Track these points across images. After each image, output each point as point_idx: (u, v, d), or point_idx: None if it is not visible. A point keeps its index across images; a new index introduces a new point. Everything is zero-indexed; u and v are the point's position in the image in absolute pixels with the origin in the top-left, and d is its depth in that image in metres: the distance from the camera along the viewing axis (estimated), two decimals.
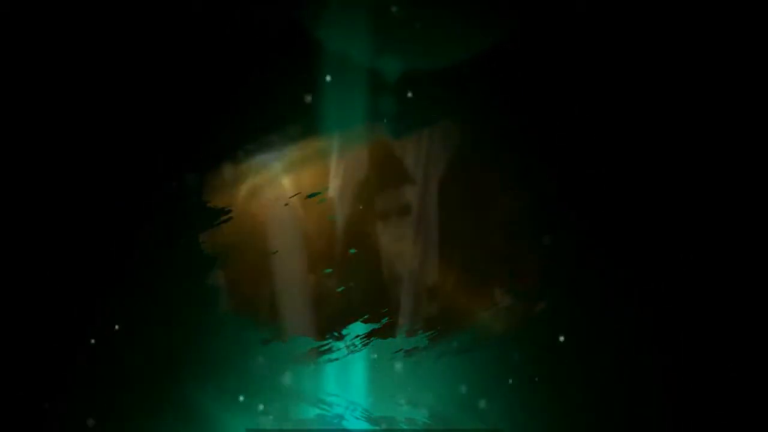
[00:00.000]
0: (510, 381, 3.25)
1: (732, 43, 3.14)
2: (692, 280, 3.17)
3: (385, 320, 3.33)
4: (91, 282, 3.21)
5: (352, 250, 3.37)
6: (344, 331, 3.34)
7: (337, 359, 3.34)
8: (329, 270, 3.37)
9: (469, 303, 3.31)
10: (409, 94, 3.27)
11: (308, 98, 3.27)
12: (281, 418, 3.32)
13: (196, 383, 3.26)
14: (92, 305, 3.22)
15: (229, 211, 3.34)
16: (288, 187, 3.37)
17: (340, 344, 3.34)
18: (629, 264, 3.23)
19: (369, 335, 3.33)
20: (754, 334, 3.12)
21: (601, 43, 3.18)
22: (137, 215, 3.24)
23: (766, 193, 3.17)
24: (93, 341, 3.21)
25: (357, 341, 3.33)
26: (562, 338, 3.20)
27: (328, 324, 3.35)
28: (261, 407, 3.30)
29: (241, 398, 3.28)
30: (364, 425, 3.33)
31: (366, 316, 3.33)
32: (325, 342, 3.34)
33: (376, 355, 3.34)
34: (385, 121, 3.32)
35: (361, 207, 3.37)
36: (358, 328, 3.34)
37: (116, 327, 3.20)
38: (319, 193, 3.37)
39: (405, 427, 3.32)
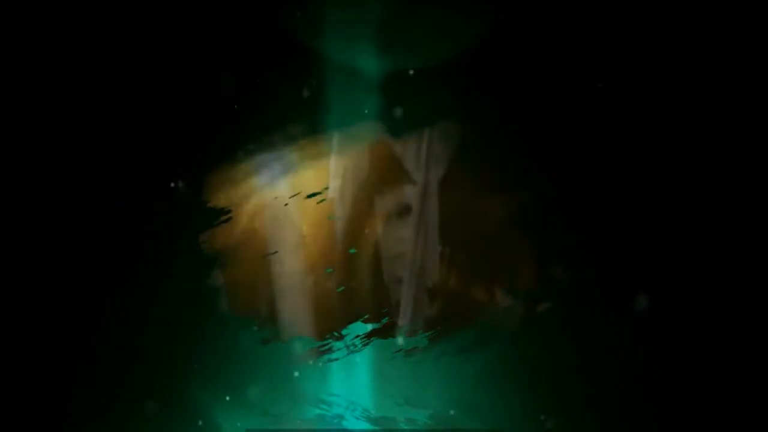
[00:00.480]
0: (510, 381, 3.25)
1: (732, 42, 3.14)
2: (693, 280, 3.17)
3: (385, 320, 3.33)
4: (91, 282, 3.21)
5: (352, 250, 3.37)
6: (344, 331, 3.34)
7: (337, 359, 3.34)
8: (329, 270, 3.37)
9: (469, 303, 3.31)
10: (409, 94, 3.27)
11: (308, 98, 3.27)
12: (281, 418, 3.31)
13: (195, 383, 3.26)
14: (92, 305, 3.22)
15: (229, 211, 3.34)
16: (288, 187, 3.37)
17: (340, 344, 3.34)
18: (629, 264, 3.23)
19: (369, 335, 3.33)
20: (754, 335, 3.12)
21: (601, 42, 3.18)
22: (137, 215, 3.24)
23: (766, 193, 3.17)
24: (93, 341, 3.21)
25: (357, 341, 3.33)
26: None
27: (328, 324, 3.35)
28: (261, 407, 3.30)
29: (241, 398, 3.28)
30: (364, 425, 3.33)
31: (366, 316, 3.33)
32: (325, 342, 3.34)
33: (377, 355, 3.35)
34: (384, 120, 3.32)
35: (361, 207, 3.37)
36: (358, 328, 3.34)
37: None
38: (319, 193, 3.38)
39: (405, 427, 3.32)
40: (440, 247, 3.32)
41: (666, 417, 3.15)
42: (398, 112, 3.29)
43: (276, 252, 3.36)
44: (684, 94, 3.18)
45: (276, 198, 3.37)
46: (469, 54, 3.24)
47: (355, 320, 3.33)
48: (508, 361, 3.25)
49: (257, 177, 3.37)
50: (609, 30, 3.19)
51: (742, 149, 3.16)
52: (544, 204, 3.29)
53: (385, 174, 3.38)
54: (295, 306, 3.35)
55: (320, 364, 3.35)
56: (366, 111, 3.31)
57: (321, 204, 3.37)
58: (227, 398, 3.27)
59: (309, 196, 3.37)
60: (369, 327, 3.33)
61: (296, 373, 3.34)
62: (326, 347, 3.34)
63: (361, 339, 3.33)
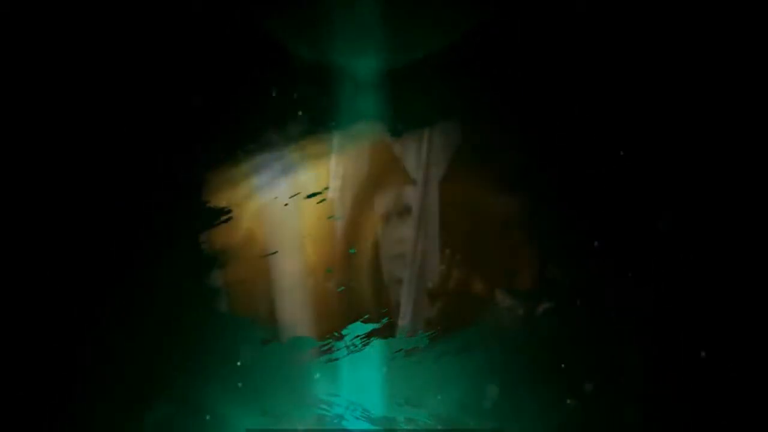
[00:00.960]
0: (511, 381, 3.24)
1: (732, 42, 3.14)
2: (694, 280, 3.17)
3: (385, 320, 3.33)
4: (90, 282, 3.21)
5: (352, 250, 3.37)
6: (344, 331, 3.34)
7: (337, 359, 3.34)
8: (329, 270, 3.37)
9: (469, 303, 3.31)
10: (409, 94, 3.27)
11: (308, 98, 3.27)
12: (281, 418, 3.31)
13: (195, 384, 3.25)
14: (91, 306, 3.21)
15: (229, 211, 3.34)
16: (288, 187, 3.37)
17: (340, 344, 3.33)
18: (630, 264, 3.23)
19: (369, 335, 3.33)
20: (756, 335, 3.12)
21: (601, 42, 3.18)
22: (137, 215, 3.24)
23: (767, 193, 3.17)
24: (92, 341, 3.21)
25: (357, 341, 3.33)
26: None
27: (328, 324, 3.34)
28: (260, 407, 3.29)
29: (240, 398, 3.27)
30: (364, 425, 3.32)
31: (366, 316, 3.33)
32: (325, 342, 3.34)
33: (377, 355, 3.35)
34: (384, 120, 3.32)
35: (361, 207, 3.37)
36: (358, 328, 3.33)
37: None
38: (319, 193, 3.37)
39: (405, 427, 3.32)
40: (440, 247, 3.32)
41: (668, 416, 3.14)
42: (398, 112, 3.29)
43: (276, 252, 3.35)
44: (685, 94, 3.18)
45: (276, 198, 3.37)
46: (469, 53, 3.24)
47: (355, 320, 3.33)
48: (509, 361, 3.25)
49: (257, 177, 3.37)
50: (609, 30, 3.19)
51: (744, 149, 3.17)
52: (544, 204, 3.29)
53: (385, 174, 3.38)
54: (294, 306, 3.35)
55: (320, 364, 3.34)
56: (366, 111, 3.31)
57: (321, 204, 3.37)
58: (226, 398, 3.26)
59: (309, 196, 3.37)
60: (369, 327, 3.33)
61: (296, 373, 3.33)
62: (326, 347, 3.34)
63: (361, 339, 3.33)
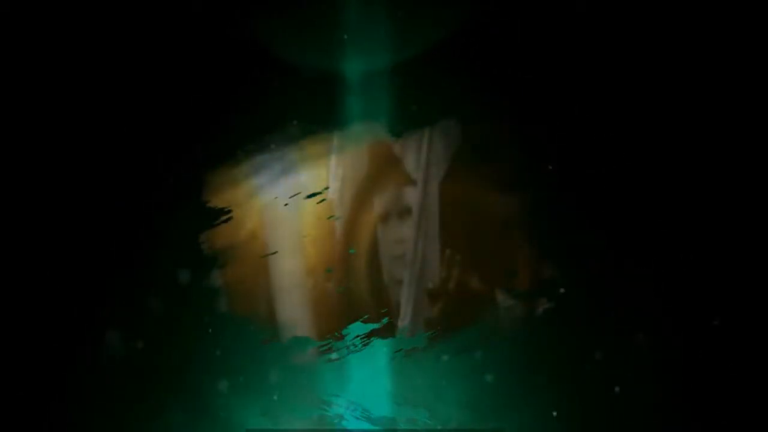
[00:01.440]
0: (510, 381, 3.24)
1: (732, 42, 3.14)
2: (694, 280, 3.17)
3: (385, 320, 3.33)
4: (90, 282, 3.21)
5: (352, 250, 3.37)
6: (344, 331, 3.34)
7: (337, 359, 3.34)
8: (329, 270, 3.37)
9: (469, 303, 3.31)
10: (409, 94, 3.26)
11: (308, 99, 3.27)
12: (280, 418, 3.31)
13: (194, 384, 3.25)
14: (91, 305, 3.21)
15: (229, 211, 3.34)
16: (288, 187, 3.37)
17: (340, 344, 3.33)
18: (630, 264, 3.23)
19: (369, 335, 3.33)
20: (756, 334, 3.12)
21: (600, 42, 3.18)
22: (137, 215, 3.24)
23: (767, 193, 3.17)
24: (92, 341, 3.21)
25: (357, 341, 3.33)
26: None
27: (328, 324, 3.34)
28: (260, 407, 3.29)
29: (240, 398, 3.27)
30: (364, 425, 3.32)
31: (366, 317, 3.33)
32: (325, 342, 3.34)
33: (377, 355, 3.35)
34: (384, 120, 3.32)
35: (361, 207, 3.37)
36: (358, 328, 3.33)
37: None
38: (319, 193, 3.37)
39: (405, 427, 3.32)
40: (440, 247, 3.32)
41: (668, 417, 3.14)
42: (398, 111, 3.29)
43: (276, 252, 3.35)
44: (684, 93, 3.18)
45: (276, 198, 3.37)
46: (469, 53, 3.24)
47: (355, 320, 3.33)
48: (509, 361, 3.25)
49: (257, 177, 3.37)
50: (609, 29, 3.19)
51: (744, 149, 3.16)
52: (544, 204, 3.29)
53: (385, 174, 3.38)
54: (294, 306, 3.35)
55: (320, 364, 3.34)
56: (366, 111, 3.30)
57: (321, 204, 3.37)
58: (225, 398, 3.26)
59: (309, 196, 3.37)
60: (369, 327, 3.33)
61: (296, 373, 3.34)
62: (326, 347, 3.34)
63: (361, 339, 3.33)
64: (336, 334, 3.34)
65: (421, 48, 3.21)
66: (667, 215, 3.21)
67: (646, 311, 3.20)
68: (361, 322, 3.33)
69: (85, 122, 3.21)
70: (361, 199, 3.38)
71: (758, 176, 3.16)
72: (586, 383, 3.21)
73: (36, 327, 3.17)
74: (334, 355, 3.34)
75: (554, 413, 3.19)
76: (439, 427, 3.31)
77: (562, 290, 3.25)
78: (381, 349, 3.33)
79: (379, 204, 3.38)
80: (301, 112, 3.31)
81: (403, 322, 3.32)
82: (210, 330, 3.29)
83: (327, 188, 3.38)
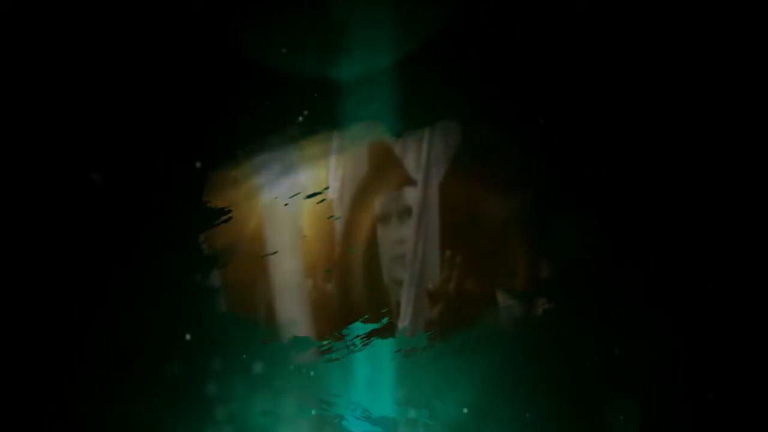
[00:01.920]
0: (510, 381, 3.24)
1: (732, 42, 3.14)
2: (694, 280, 3.17)
3: (385, 320, 3.33)
4: (90, 282, 3.21)
5: (352, 250, 3.37)
6: (344, 331, 3.34)
7: (337, 359, 3.34)
8: (329, 270, 3.37)
9: (469, 303, 3.31)
10: (409, 94, 3.27)
11: (308, 99, 3.27)
12: (280, 418, 3.31)
13: (194, 384, 3.25)
14: (91, 305, 3.21)
15: (229, 211, 3.34)
16: (288, 187, 3.37)
17: (340, 344, 3.33)
18: (630, 263, 3.23)
19: (369, 335, 3.33)
20: (756, 334, 3.12)
21: (600, 42, 3.18)
22: (137, 215, 3.24)
23: (766, 193, 3.17)
24: (92, 341, 3.21)
25: (357, 341, 3.33)
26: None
27: (328, 324, 3.35)
28: (260, 407, 3.29)
29: (239, 398, 3.27)
30: (364, 425, 3.32)
31: (366, 317, 3.33)
32: (325, 342, 3.34)
33: (377, 355, 3.34)
34: (384, 120, 3.33)
35: (361, 207, 3.37)
36: (358, 328, 3.33)
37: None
38: (318, 193, 3.38)
39: (405, 427, 3.32)
40: (440, 247, 3.32)
41: (669, 417, 3.14)
42: (398, 112, 3.29)
43: (276, 252, 3.35)
44: (685, 93, 3.18)
45: (276, 198, 3.37)
46: (469, 53, 3.24)
47: (355, 320, 3.33)
48: (509, 362, 3.25)
49: (257, 177, 3.37)
50: (609, 29, 3.19)
51: (744, 149, 3.16)
52: (544, 204, 3.29)
53: (385, 174, 3.38)
54: (294, 306, 3.35)
55: (320, 364, 3.34)
56: (366, 111, 3.31)
57: (321, 204, 3.38)
58: (225, 398, 3.26)
59: (309, 196, 3.37)
60: (369, 327, 3.33)
61: (296, 373, 3.34)
62: (326, 347, 3.34)
63: (361, 339, 3.33)
64: (336, 334, 3.34)
65: (421, 48, 3.21)
66: (667, 215, 3.21)
67: (646, 311, 3.20)
68: (361, 322, 3.33)
69: (86, 122, 3.21)
70: (361, 199, 3.38)
71: (758, 176, 3.16)
72: (586, 383, 3.21)
73: (36, 327, 3.17)
74: (334, 355, 3.34)
75: (554, 412, 3.19)
76: (439, 427, 3.31)
77: (563, 290, 3.25)
78: (381, 349, 3.33)
79: (379, 204, 3.39)
80: (301, 112, 3.30)
81: (404, 322, 3.32)
82: (209, 330, 3.29)
83: (327, 188, 3.38)
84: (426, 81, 3.26)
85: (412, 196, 3.35)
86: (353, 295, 3.35)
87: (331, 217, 3.38)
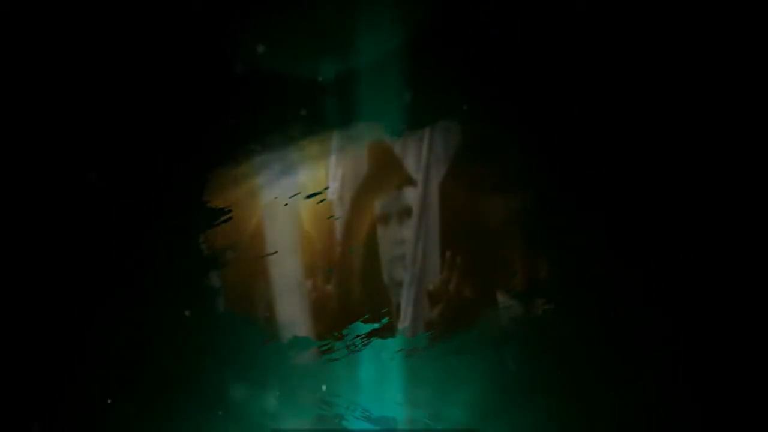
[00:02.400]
0: (510, 381, 3.25)
1: (732, 42, 3.14)
2: (694, 279, 3.17)
3: (385, 320, 3.33)
4: (90, 282, 3.21)
5: (352, 250, 3.37)
6: (344, 331, 3.34)
7: (337, 359, 3.34)
8: (329, 270, 3.37)
9: (469, 303, 3.31)
10: (409, 94, 3.27)
11: (308, 99, 3.27)
12: (281, 418, 3.31)
13: (194, 384, 3.26)
14: (91, 305, 3.22)
15: (229, 211, 3.34)
16: (288, 187, 3.37)
17: (340, 344, 3.34)
18: (630, 263, 3.23)
19: (369, 335, 3.33)
20: (757, 334, 3.12)
21: (600, 42, 3.18)
22: (137, 215, 3.24)
23: (766, 193, 3.16)
24: (92, 341, 3.21)
25: (357, 341, 3.33)
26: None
27: (328, 324, 3.35)
28: (260, 407, 3.30)
29: (240, 399, 3.28)
30: (364, 425, 3.33)
31: (366, 317, 3.33)
32: (325, 342, 3.34)
33: (377, 355, 3.35)
34: (384, 120, 3.33)
35: (361, 207, 3.38)
36: (358, 328, 3.34)
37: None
38: (318, 193, 3.38)
39: (405, 427, 3.32)
40: (440, 248, 3.32)
41: (669, 417, 3.14)
42: (398, 111, 3.29)
43: (276, 252, 3.36)
44: (685, 94, 3.18)
45: (276, 198, 3.37)
46: (469, 53, 3.24)
47: (355, 320, 3.33)
48: (509, 362, 3.25)
49: (257, 177, 3.37)
50: (610, 30, 3.18)
51: (744, 149, 3.16)
52: (544, 204, 3.29)
53: (385, 174, 3.38)
54: (294, 306, 3.35)
55: (320, 364, 3.35)
56: (366, 111, 3.30)
57: (321, 204, 3.38)
58: (225, 398, 3.26)
59: (309, 196, 3.37)
60: (369, 327, 3.33)
61: (296, 373, 3.34)
62: (326, 347, 3.34)
63: (361, 339, 3.33)
64: (336, 334, 3.34)
65: (422, 48, 3.21)
66: (667, 215, 3.21)
67: (646, 311, 3.20)
68: (361, 322, 3.33)
69: (87, 123, 3.21)
70: (360, 199, 3.38)
71: (757, 176, 3.16)
72: (586, 383, 3.21)
73: (37, 327, 3.17)
74: (334, 355, 3.34)
75: (554, 412, 3.19)
76: (439, 427, 3.31)
77: (563, 291, 3.25)
78: (381, 349, 3.34)
79: (379, 204, 3.39)
80: (301, 112, 3.31)
81: (404, 322, 3.32)
82: (209, 330, 3.29)
83: (327, 188, 3.39)
84: (426, 81, 3.25)
85: (412, 196, 3.35)
86: (353, 295, 3.35)
87: (331, 217, 3.38)
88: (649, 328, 3.19)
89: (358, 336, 3.33)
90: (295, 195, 3.37)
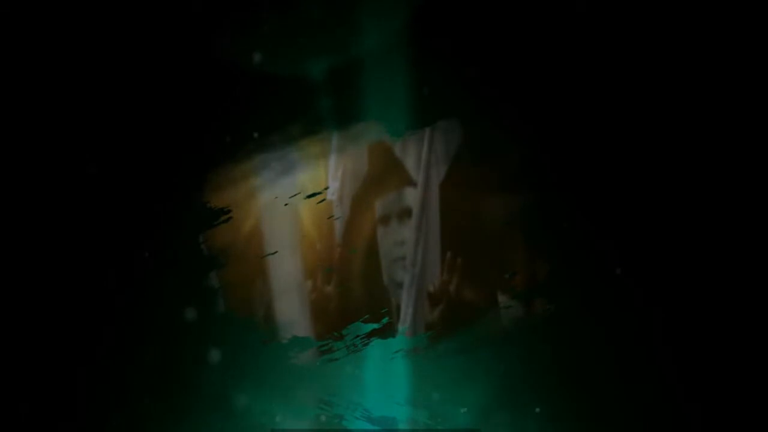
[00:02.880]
0: (510, 381, 3.25)
1: (732, 42, 3.14)
2: (694, 279, 3.17)
3: (385, 320, 3.33)
4: (87, 282, 3.21)
5: (353, 251, 3.37)
6: (344, 331, 3.34)
7: (337, 359, 3.34)
8: (329, 269, 3.37)
9: (469, 303, 3.31)
10: (409, 94, 3.26)
11: (308, 99, 3.27)
12: (281, 418, 3.32)
13: (194, 385, 3.26)
14: (89, 305, 3.22)
15: (229, 211, 3.34)
16: (288, 187, 3.37)
17: (340, 344, 3.34)
18: (631, 263, 3.23)
19: (369, 335, 3.33)
20: (757, 334, 3.12)
21: (600, 42, 3.18)
22: (137, 215, 3.24)
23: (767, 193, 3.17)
24: (92, 341, 3.21)
25: (357, 341, 3.33)
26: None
27: (328, 324, 3.35)
28: (260, 407, 3.30)
29: (240, 399, 3.28)
30: (364, 425, 3.33)
31: (366, 317, 3.33)
32: (325, 342, 3.34)
33: (377, 355, 3.35)
34: (384, 120, 3.32)
35: (361, 207, 3.37)
36: (358, 328, 3.34)
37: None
38: (318, 193, 3.37)
39: (405, 427, 3.32)
40: (440, 248, 3.31)
41: (669, 417, 3.15)
42: (399, 111, 3.29)
43: (276, 252, 3.35)
44: (685, 94, 3.18)
45: (276, 198, 3.37)
46: (469, 53, 3.24)
47: (355, 320, 3.33)
48: (509, 362, 3.26)
49: (257, 177, 3.37)
50: (610, 30, 3.18)
51: (746, 150, 3.16)
52: (544, 204, 3.29)
53: (385, 175, 3.38)
54: (294, 306, 3.35)
55: (320, 364, 3.35)
56: (367, 111, 3.30)
57: (321, 204, 3.37)
58: (225, 399, 3.27)
59: (309, 196, 3.37)
60: (369, 327, 3.33)
61: (296, 373, 3.34)
62: (326, 347, 3.34)
63: (361, 339, 3.33)
64: (336, 334, 3.34)
65: (422, 48, 3.20)
66: (668, 215, 3.21)
67: (646, 311, 3.21)
68: (361, 322, 3.33)
69: (86, 124, 3.21)
70: (361, 199, 3.38)
71: (757, 176, 3.16)
72: (587, 383, 3.21)
73: (36, 328, 3.17)
74: (334, 355, 3.34)
75: (554, 412, 3.20)
76: (439, 427, 3.31)
77: (563, 291, 3.25)
78: (381, 349, 3.34)
79: (379, 205, 3.38)
80: (300, 112, 3.30)
81: (404, 323, 3.32)
82: (209, 330, 3.28)
83: (327, 188, 3.38)
84: (426, 81, 3.25)
85: (412, 196, 3.35)
86: (353, 295, 3.35)
87: (331, 217, 3.38)
88: (650, 328, 3.19)
89: (358, 336, 3.33)
90: (295, 195, 3.36)
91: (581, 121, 3.21)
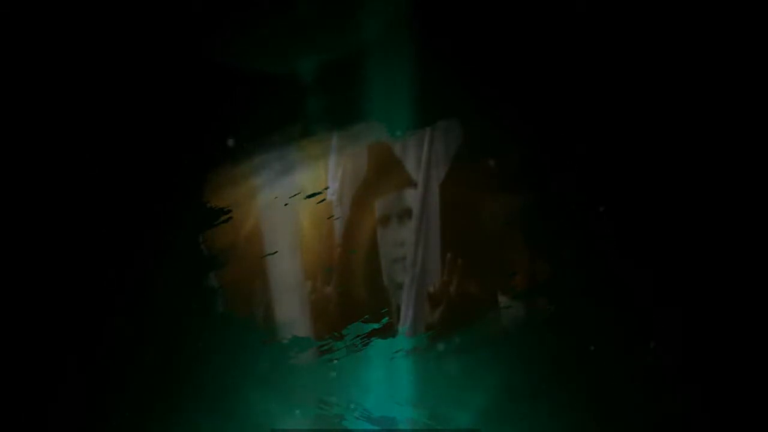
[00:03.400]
0: (510, 381, 3.25)
1: (732, 42, 3.14)
2: (695, 279, 3.17)
3: (385, 320, 3.33)
4: (87, 282, 3.21)
5: (353, 251, 3.37)
6: (344, 331, 3.34)
7: (337, 359, 3.34)
8: (329, 270, 3.37)
9: (469, 304, 3.31)
10: (409, 94, 3.26)
11: (308, 99, 3.27)
12: (280, 418, 3.32)
13: (194, 385, 3.26)
14: (89, 305, 3.22)
15: (229, 211, 3.34)
16: (288, 187, 3.37)
17: (340, 344, 3.34)
18: (631, 263, 3.23)
19: (369, 335, 3.34)
20: (758, 334, 3.12)
21: (600, 42, 3.18)
22: (137, 215, 3.24)
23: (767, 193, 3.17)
24: (91, 341, 3.21)
25: (357, 341, 3.33)
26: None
27: (328, 324, 3.35)
28: (260, 407, 3.30)
29: (240, 399, 3.28)
30: (364, 425, 3.33)
31: (366, 317, 3.33)
32: (325, 342, 3.34)
33: (377, 355, 3.35)
34: (384, 120, 3.32)
35: (361, 207, 3.37)
36: (358, 328, 3.34)
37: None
38: (318, 193, 3.37)
39: (405, 427, 3.33)
40: (441, 249, 3.31)
41: (669, 417, 3.15)
42: (399, 112, 3.29)
43: (276, 252, 3.36)
44: (686, 94, 3.18)
45: (276, 198, 3.37)
46: (470, 53, 3.24)
47: (355, 320, 3.33)
48: (509, 362, 3.26)
49: (257, 177, 3.37)
50: (609, 29, 3.18)
51: (746, 149, 3.16)
52: (544, 204, 3.29)
53: (385, 175, 3.38)
54: (294, 306, 3.35)
55: (320, 364, 3.35)
56: (367, 111, 3.30)
57: (321, 204, 3.37)
58: (226, 398, 3.27)
59: (308, 196, 3.37)
60: (369, 327, 3.33)
61: (296, 373, 3.34)
62: (326, 347, 3.34)
63: (361, 339, 3.33)
64: (336, 334, 3.34)
65: (421, 48, 3.20)
66: (668, 215, 3.21)
67: (648, 311, 3.21)
68: (361, 322, 3.33)
69: (86, 123, 3.21)
70: (361, 200, 3.38)
71: (758, 176, 3.16)
72: (587, 384, 3.21)
73: (37, 328, 3.17)
74: (334, 355, 3.34)
75: (554, 412, 3.20)
76: (439, 427, 3.31)
77: (563, 291, 3.25)
78: (382, 349, 3.34)
79: (379, 205, 3.38)
80: (301, 112, 3.30)
81: (404, 323, 3.32)
82: (209, 330, 3.29)
83: (327, 188, 3.38)
84: (427, 81, 3.25)
85: (412, 197, 3.35)
86: (353, 295, 3.35)
87: (331, 217, 3.38)
88: (651, 328, 3.19)
89: (358, 336, 3.33)
90: (294, 195, 3.36)
91: (581, 121, 3.21)
